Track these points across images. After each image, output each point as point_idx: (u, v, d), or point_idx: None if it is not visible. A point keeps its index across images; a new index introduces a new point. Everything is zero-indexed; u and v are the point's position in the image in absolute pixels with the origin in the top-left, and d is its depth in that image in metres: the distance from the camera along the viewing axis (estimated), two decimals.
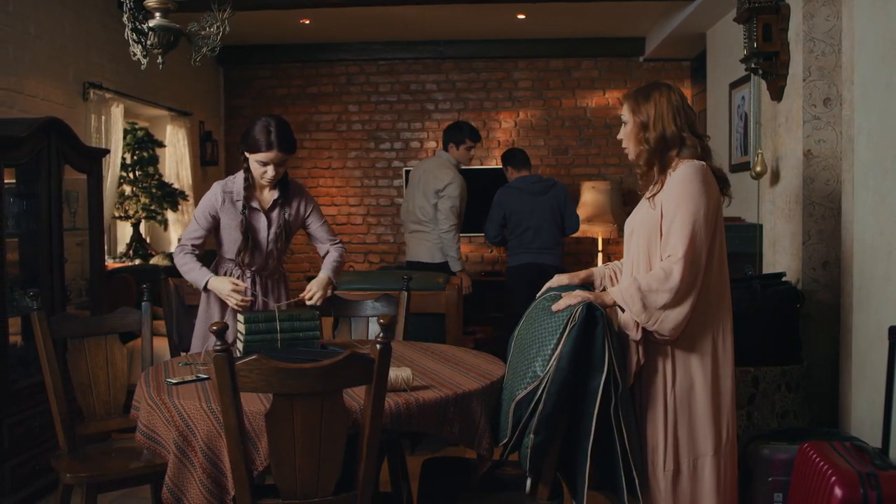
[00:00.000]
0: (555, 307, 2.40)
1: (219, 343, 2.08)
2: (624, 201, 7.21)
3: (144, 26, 2.29)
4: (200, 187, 6.79)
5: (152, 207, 5.89)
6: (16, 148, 3.76)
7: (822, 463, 2.53)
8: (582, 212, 6.99)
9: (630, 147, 2.56)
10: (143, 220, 6.01)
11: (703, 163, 2.45)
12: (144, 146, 5.95)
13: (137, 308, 3.30)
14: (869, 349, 3.29)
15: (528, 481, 2.51)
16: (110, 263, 5.74)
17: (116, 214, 5.88)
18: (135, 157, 5.93)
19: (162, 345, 4.70)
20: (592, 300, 2.37)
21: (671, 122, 2.45)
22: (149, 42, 2.33)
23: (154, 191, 5.91)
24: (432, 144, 7.80)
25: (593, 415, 2.31)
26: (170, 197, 5.98)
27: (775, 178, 3.90)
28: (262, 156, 3.13)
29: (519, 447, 2.46)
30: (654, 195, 2.49)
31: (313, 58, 7.80)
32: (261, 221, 3.29)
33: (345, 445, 2.21)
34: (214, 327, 2.12)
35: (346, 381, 2.20)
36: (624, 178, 7.49)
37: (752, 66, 3.80)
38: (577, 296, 2.39)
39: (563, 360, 2.32)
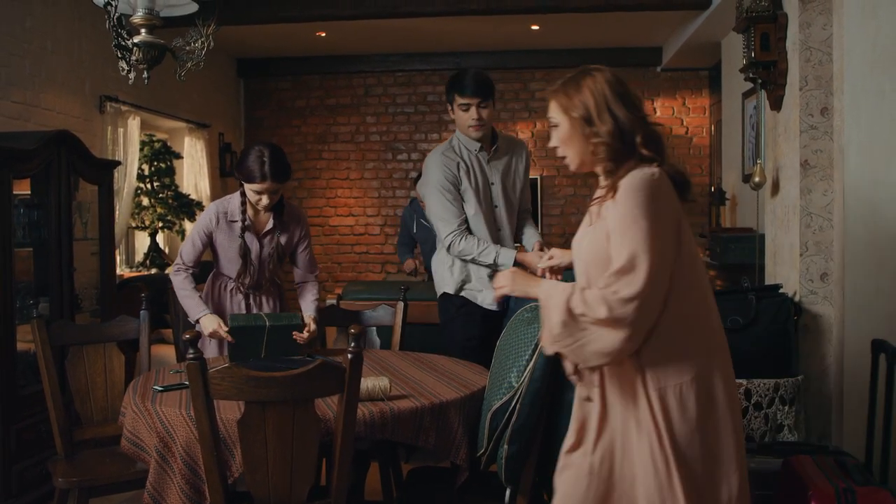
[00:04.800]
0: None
1: (192, 351, 2.13)
2: None
3: (129, 42, 2.37)
4: (219, 198, 6.88)
5: (168, 218, 6.01)
6: (26, 160, 3.87)
7: (801, 478, 2.50)
8: None
9: (572, 152, 1.99)
10: (159, 230, 6.13)
11: (656, 170, 1.90)
12: (161, 157, 6.07)
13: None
14: (859, 362, 3.25)
15: (508, 492, 2.52)
16: (127, 272, 5.87)
17: (133, 224, 6.01)
18: (152, 169, 6.06)
19: (170, 353, 4.80)
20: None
21: (622, 107, 1.93)
22: (133, 58, 2.41)
23: (170, 201, 6.04)
24: None
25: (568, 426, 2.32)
26: (186, 207, 6.10)
27: (775, 188, 3.86)
28: (256, 186, 3.23)
29: (495, 458, 2.47)
30: (601, 202, 1.95)
31: (332, 70, 7.90)
32: (254, 244, 3.39)
33: (318, 453, 2.25)
34: (187, 335, 2.18)
35: (316, 389, 2.23)
36: None
37: (751, 75, 3.77)
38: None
39: (538, 371, 2.34)
